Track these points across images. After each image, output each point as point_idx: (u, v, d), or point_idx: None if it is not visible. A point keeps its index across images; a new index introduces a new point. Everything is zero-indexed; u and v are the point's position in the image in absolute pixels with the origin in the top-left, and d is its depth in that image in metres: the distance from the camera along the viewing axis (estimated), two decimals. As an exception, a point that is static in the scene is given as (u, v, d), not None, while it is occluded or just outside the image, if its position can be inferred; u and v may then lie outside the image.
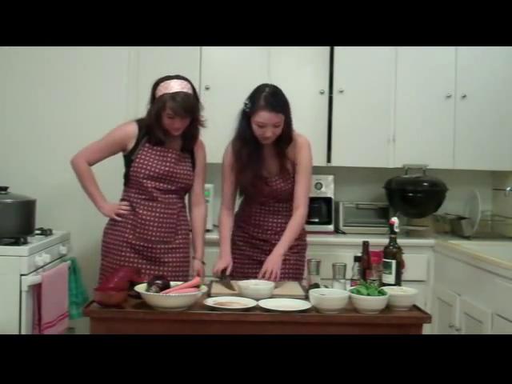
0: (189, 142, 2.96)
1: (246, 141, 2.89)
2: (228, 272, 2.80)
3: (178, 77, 2.86)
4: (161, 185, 2.88)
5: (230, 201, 3.02)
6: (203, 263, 2.99)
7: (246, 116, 2.86)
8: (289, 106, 2.88)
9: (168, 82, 2.83)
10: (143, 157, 2.87)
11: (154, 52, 3.59)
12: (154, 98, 2.87)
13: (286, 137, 2.90)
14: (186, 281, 2.65)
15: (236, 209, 3.11)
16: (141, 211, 2.87)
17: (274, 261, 2.78)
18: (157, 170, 2.87)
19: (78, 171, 2.95)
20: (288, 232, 2.89)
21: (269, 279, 2.70)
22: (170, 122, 2.82)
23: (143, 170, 2.86)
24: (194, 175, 2.98)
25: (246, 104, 2.86)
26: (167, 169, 2.88)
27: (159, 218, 2.88)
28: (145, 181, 2.86)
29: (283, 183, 2.96)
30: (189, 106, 2.82)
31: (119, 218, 2.89)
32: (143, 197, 2.88)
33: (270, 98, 2.80)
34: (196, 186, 3.01)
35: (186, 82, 2.87)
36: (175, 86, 2.81)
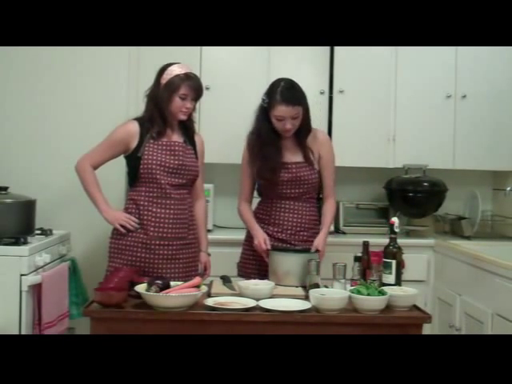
0: (189, 130, 3.00)
1: (260, 134, 2.97)
2: (268, 244, 2.89)
3: (180, 63, 2.92)
4: (173, 180, 2.88)
5: (248, 194, 3.11)
6: (208, 254, 3.09)
7: (265, 111, 2.94)
8: (305, 97, 2.96)
9: (174, 65, 2.89)
10: (151, 152, 2.87)
11: (154, 52, 3.58)
12: (158, 84, 2.88)
13: (304, 127, 2.98)
14: (196, 276, 2.71)
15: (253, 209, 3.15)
16: (154, 209, 2.86)
17: (323, 240, 2.93)
18: (167, 165, 2.87)
19: (82, 175, 2.92)
20: (327, 218, 3.04)
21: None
22: (182, 104, 2.87)
23: (155, 166, 2.85)
24: (198, 167, 3.01)
25: (263, 100, 2.96)
26: (177, 162, 2.89)
27: (174, 215, 2.88)
28: (159, 177, 2.86)
29: (308, 171, 3.00)
30: (201, 86, 2.93)
31: (123, 230, 2.86)
32: (155, 194, 2.87)
33: (286, 92, 2.89)
34: (197, 179, 3.03)
35: (189, 66, 2.95)
36: (183, 69, 2.88)
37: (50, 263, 3.12)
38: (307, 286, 2.62)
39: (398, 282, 2.59)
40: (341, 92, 3.86)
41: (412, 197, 3.86)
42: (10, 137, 3.67)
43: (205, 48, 3.79)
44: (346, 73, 3.88)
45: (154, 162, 2.86)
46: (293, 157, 3.00)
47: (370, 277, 2.60)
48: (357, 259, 2.67)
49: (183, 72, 2.86)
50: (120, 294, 2.38)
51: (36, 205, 3.19)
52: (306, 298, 2.48)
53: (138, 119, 2.94)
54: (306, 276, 2.67)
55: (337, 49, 3.86)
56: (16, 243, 2.97)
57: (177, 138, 2.95)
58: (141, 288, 2.39)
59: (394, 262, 2.59)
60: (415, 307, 2.47)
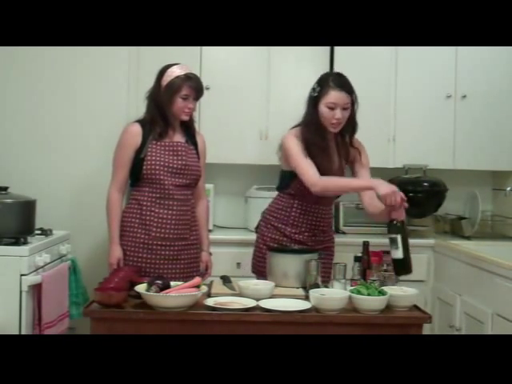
0: (190, 129, 3.00)
1: (316, 127, 2.84)
2: None
3: (179, 64, 2.92)
4: (177, 180, 2.89)
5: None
6: (210, 254, 3.09)
7: (314, 102, 2.85)
8: (355, 92, 2.87)
9: (174, 67, 2.88)
10: (154, 153, 2.87)
11: (154, 52, 3.58)
12: (158, 86, 2.88)
13: (350, 125, 2.89)
14: (197, 275, 2.70)
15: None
16: (157, 210, 2.87)
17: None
18: (171, 165, 2.87)
19: (108, 207, 2.92)
20: None
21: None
22: (184, 105, 2.87)
23: (158, 167, 2.86)
24: (201, 167, 3.01)
25: (314, 89, 2.87)
26: (180, 162, 2.90)
27: (176, 216, 2.89)
28: (163, 177, 2.86)
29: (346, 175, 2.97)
30: (202, 85, 2.93)
31: (112, 267, 2.85)
32: (158, 195, 2.87)
33: (339, 79, 2.86)
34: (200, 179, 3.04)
35: (189, 66, 2.94)
36: (183, 69, 2.88)
37: (50, 263, 3.12)
38: (307, 286, 2.63)
39: (407, 255, 2.57)
40: (341, 92, 3.85)
41: (412, 197, 3.83)
42: (10, 137, 3.67)
43: (205, 48, 3.79)
44: (345, 73, 3.83)
45: (158, 162, 2.86)
46: (336, 161, 2.93)
47: (370, 277, 2.60)
48: (357, 259, 2.66)
49: (183, 73, 2.86)
50: (120, 294, 2.37)
51: (36, 205, 3.18)
52: (306, 298, 2.48)
53: (139, 121, 2.94)
54: (304, 276, 2.67)
55: (337, 49, 3.86)
56: (16, 243, 2.97)
57: (179, 138, 2.95)
58: (141, 288, 2.39)
59: (399, 236, 2.58)
60: (415, 307, 2.47)
